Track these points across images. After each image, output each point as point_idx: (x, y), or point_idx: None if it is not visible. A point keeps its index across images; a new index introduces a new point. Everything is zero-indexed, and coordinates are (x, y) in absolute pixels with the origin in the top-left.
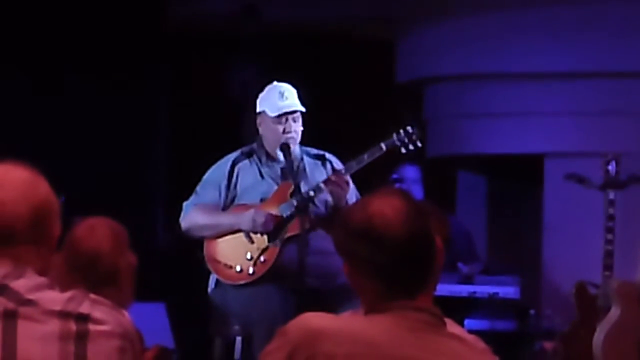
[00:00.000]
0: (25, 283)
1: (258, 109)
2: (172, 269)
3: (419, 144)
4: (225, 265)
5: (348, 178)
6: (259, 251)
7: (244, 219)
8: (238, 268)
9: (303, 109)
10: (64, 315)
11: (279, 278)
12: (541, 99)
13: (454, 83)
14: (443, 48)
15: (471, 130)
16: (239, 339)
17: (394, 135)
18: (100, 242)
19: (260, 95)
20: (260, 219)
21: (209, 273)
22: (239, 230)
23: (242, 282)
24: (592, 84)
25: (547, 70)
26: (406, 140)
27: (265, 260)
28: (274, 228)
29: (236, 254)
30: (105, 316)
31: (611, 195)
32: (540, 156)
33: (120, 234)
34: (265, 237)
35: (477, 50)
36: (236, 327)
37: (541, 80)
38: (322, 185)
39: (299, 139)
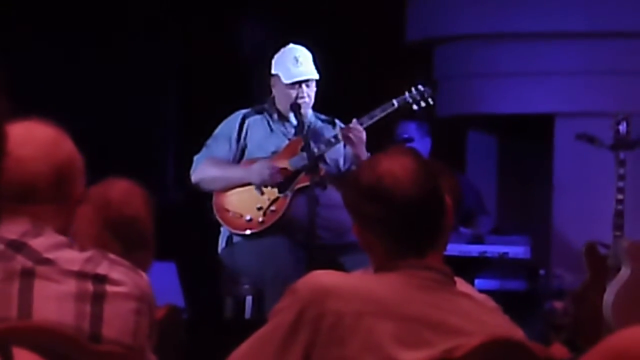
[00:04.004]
0: (44, 241)
1: (273, 71)
2: (182, 228)
3: (431, 102)
4: (235, 214)
5: (362, 129)
6: (269, 202)
7: (253, 172)
8: (248, 217)
9: (317, 77)
10: (81, 275)
11: (289, 231)
12: (552, 59)
13: (464, 42)
14: (454, 7)
15: (481, 90)
16: (249, 298)
17: (406, 93)
18: (139, 207)
19: (276, 57)
20: (266, 171)
21: (219, 232)
22: (249, 184)
23: (251, 231)
24: (604, 43)
25: (558, 29)
26: (418, 98)
27: (275, 210)
28: (284, 180)
29: (246, 204)
30: (123, 277)
31: (622, 155)
32: (550, 116)
33: (149, 198)
34: (276, 189)
35: (488, 9)
36: (246, 287)
37: (552, 40)
38: (332, 139)
39: (311, 103)
